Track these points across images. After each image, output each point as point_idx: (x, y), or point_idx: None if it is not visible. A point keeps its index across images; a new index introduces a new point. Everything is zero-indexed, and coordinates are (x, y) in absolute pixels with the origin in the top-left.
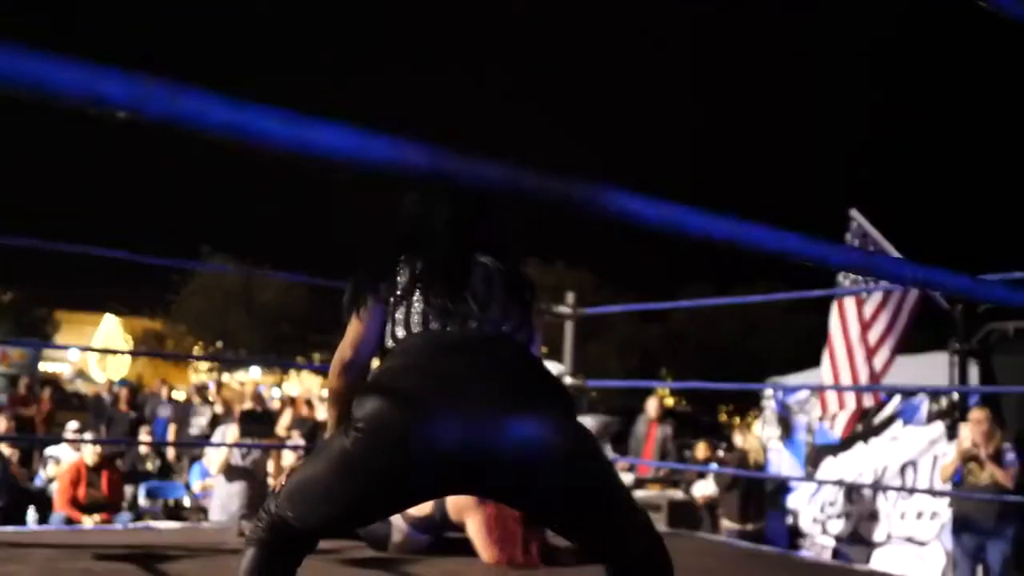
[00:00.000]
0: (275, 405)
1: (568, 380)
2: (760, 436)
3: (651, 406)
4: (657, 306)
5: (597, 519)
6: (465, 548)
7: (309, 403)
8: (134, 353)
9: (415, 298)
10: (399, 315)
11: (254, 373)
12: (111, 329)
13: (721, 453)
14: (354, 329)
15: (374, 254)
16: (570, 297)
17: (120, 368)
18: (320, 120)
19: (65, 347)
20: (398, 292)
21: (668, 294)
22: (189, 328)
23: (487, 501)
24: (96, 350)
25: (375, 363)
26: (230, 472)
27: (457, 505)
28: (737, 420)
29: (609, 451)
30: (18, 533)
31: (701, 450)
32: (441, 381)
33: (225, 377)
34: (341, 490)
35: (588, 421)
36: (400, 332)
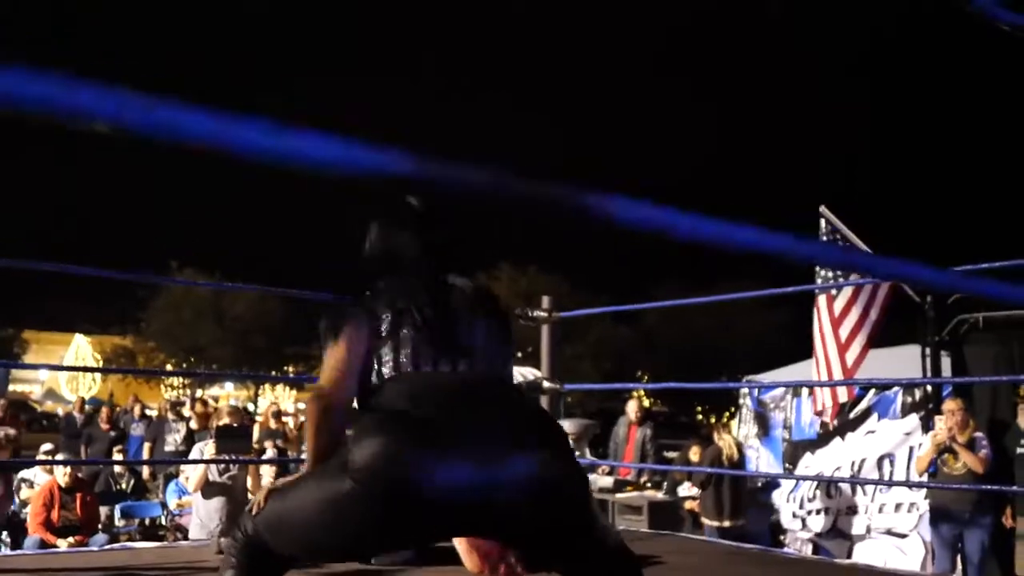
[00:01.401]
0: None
1: (546, 384)
2: (735, 434)
3: (631, 408)
4: (630, 307)
5: (586, 550)
6: (450, 558)
7: (278, 415)
8: (106, 371)
9: (402, 336)
10: (386, 353)
11: (228, 388)
12: (81, 348)
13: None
14: (336, 355)
15: (352, 282)
16: (546, 301)
17: (91, 387)
18: (300, 129)
19: (34, 367)
20: (382, 329)
21: (642, 296)
22: (158, 344)
23: None
24: (65, 368)
25: (356, 395)
26: (208, 489)
27: None
28: (714, 419)
29: (588, 454)
30: None
31: (695, 453)
32: (438, 430)
33: (199, 392)
34: (329, 533)
35: (567, 425)
36: (388, 371)
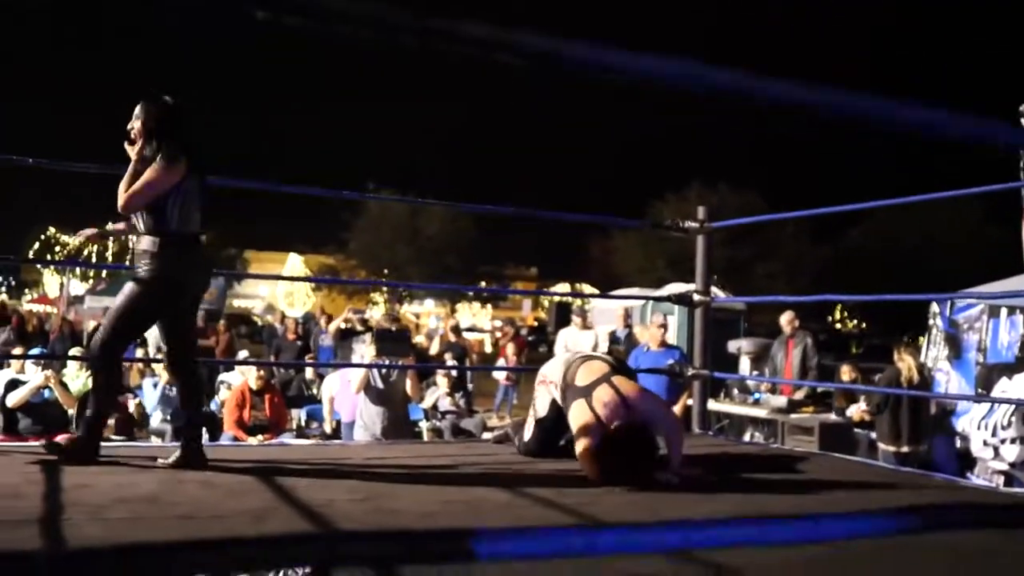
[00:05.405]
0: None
1: (696, 297)
2: (924, 356)
3: (784, 321)
4: (786, 215)
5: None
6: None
7: (457, 329)
8: (306, 280)
9: (190, 196)
10: (182, 201)
11: (429, 304)
12: (295, 266)
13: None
14: (163, 180)
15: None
16: (701, 212)
17: (305, 302)
18: None
19: (246, 276)
20: (185, 180)
21: (839, 214)
22: (360, 263)
23: (603, 433)
24: (269, 277)
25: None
26: (370, 393)
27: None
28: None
29: (767, 373)
30: (154, 448)
31: (846, 373)
32: (195, 267)
33: (400, 309)
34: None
35: (744, 344)
36: (182, 220)
